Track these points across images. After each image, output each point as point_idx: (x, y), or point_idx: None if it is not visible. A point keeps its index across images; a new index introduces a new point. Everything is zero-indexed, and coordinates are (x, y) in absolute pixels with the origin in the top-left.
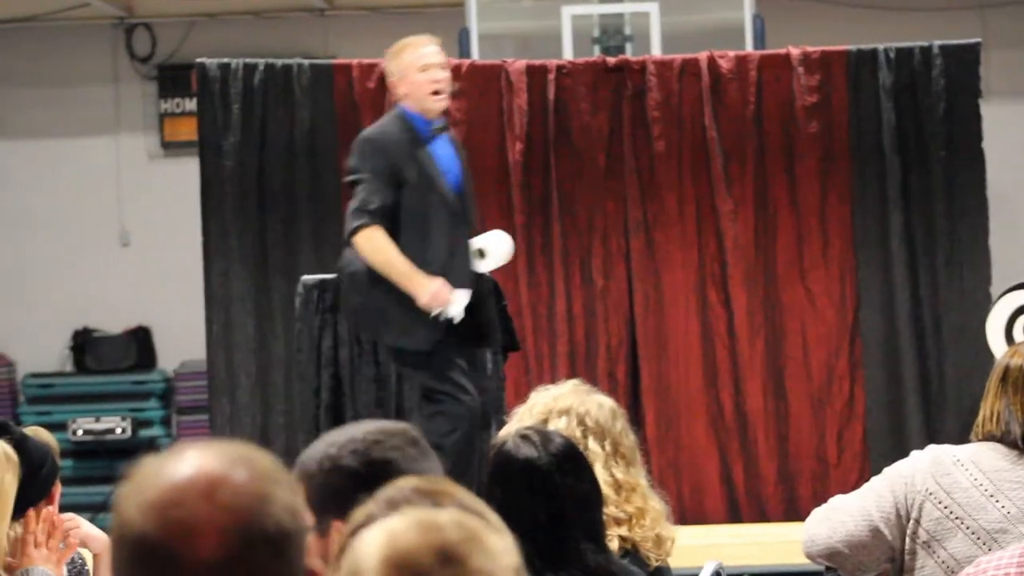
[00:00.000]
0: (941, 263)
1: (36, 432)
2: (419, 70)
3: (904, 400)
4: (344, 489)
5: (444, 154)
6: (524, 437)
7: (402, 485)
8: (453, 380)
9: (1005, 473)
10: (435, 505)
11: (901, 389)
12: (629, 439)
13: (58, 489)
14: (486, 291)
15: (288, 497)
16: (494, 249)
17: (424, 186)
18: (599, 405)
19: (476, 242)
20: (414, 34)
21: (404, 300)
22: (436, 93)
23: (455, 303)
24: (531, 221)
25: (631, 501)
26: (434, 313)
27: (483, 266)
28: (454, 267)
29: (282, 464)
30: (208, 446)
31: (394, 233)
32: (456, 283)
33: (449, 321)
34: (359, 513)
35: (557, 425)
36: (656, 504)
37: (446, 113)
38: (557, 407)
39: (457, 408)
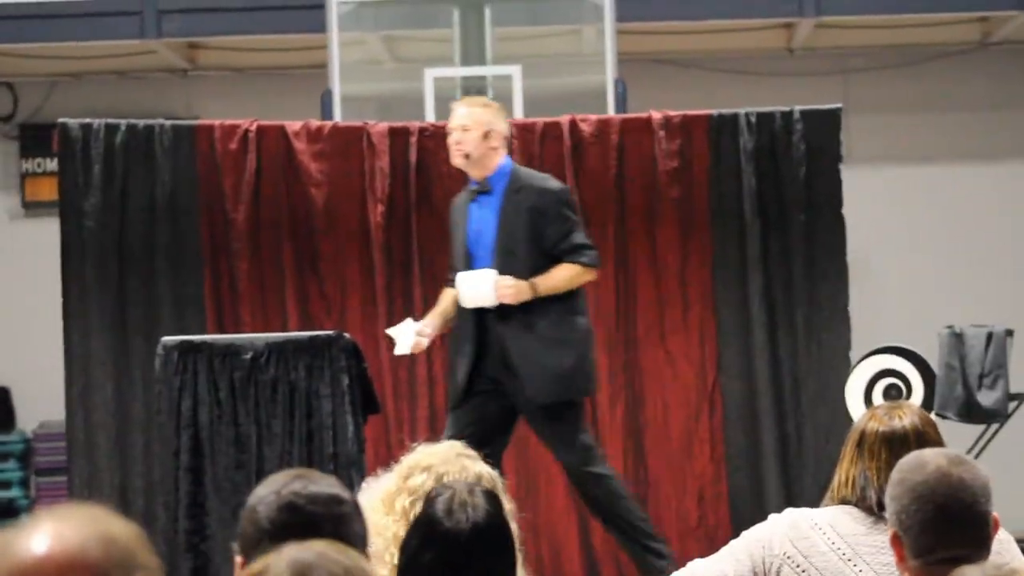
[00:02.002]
0: (801, 327)
1: None
2: (449, 134)
3: (763, 463)
4: (256, 538)
5: (481, 211)
6: (460, 503)
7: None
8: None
9: (862, 538)
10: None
11: (760, 452)
12: None
13: None
14: (498, 333)
15: None
16: (463, 289)
17: (455, 240)
18: (462, 468)
19: (458, 279)
20: (277, 95)
21: None
22: (455, 153)
23: (398, 344)
24: (392, 283)
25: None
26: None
27: (464, 302)
28: (463, 329)
29: (142, 533)
30: (64, 519)
31: None
32: (464, 334)
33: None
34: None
35: (414, 481)
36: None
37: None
38: (421, 463)
39: None
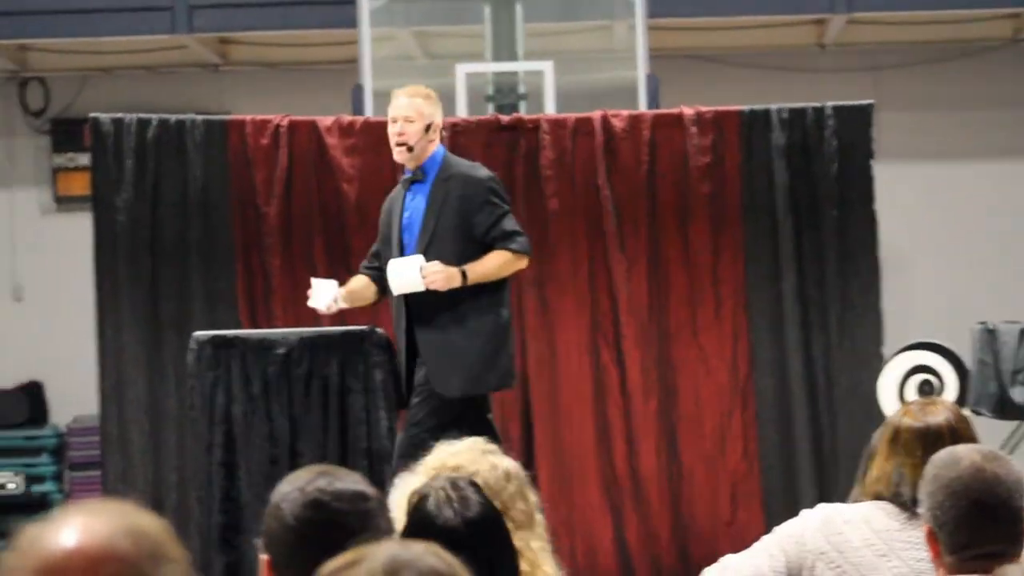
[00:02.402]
0: (833, 323)
1: None
2: (390, 122)
3: (797, 459)
4: (281, 535)
5: (414, 200)
6: (446, 499)
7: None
8: None
9: (896, 533)
10: None
11: (794, 448)
12: (524, 503)
13: None
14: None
15: (172, 573)
16: (392, 275)
17: (384, 232)
18: (492, 466)
19: (389, 266)
20: (309, 91)
21: None
22: (398, 145)
23: (314, 296)
24: None
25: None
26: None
27: (394, 289)
28: (398, 317)
29: (171, 528)
30: (93, 513)
31: None
32: (398, 322)
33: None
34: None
35: None
36: (548, 568)
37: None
38: (449, 464)
39: None
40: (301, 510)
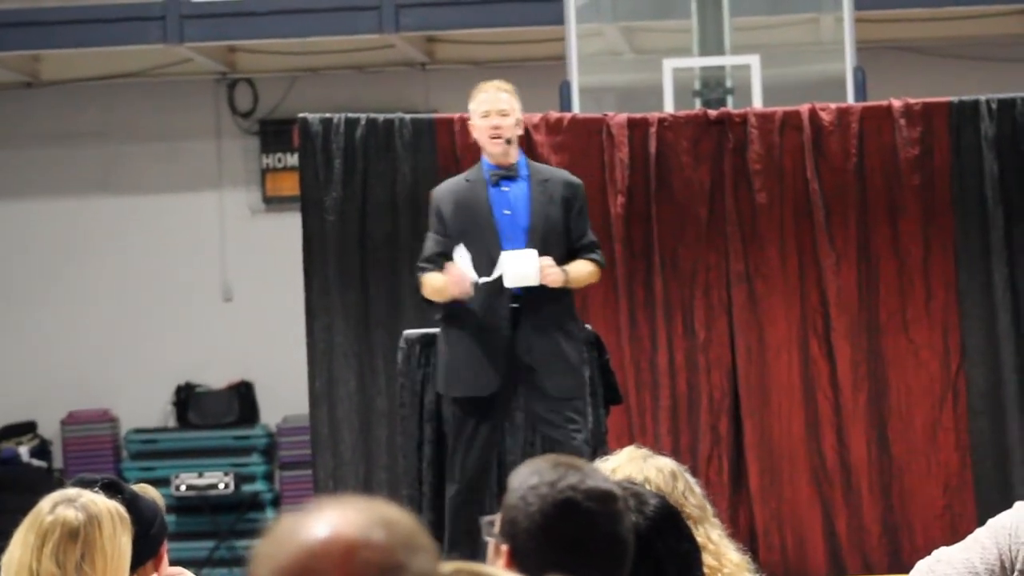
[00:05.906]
0: None
1: (143, 489)
2: (480, 116)
3: (1009, 451)
4: (528, 530)
5: (506, 196)
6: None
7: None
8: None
9: None
10: None
11: (1006, 440)
12: (695, 497)
13: (165, 547)
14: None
15: (424, 565)
16: (510, 267)
17: (461, 228)
18: (658, 471)
19: (503, 257)
20: (516, 88)
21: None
22: (494, 138)
23: (463, 266)
24: (632, 274)
25: (703, 561)
26: (460, 296)
27: (508, 281)
28: (493, 311)
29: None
30: (346, 505)
31: None
32: (492, 327)
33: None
34: None
35: None
36: (733, 556)
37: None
38: (617, 478)
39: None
40: (552, 508)
